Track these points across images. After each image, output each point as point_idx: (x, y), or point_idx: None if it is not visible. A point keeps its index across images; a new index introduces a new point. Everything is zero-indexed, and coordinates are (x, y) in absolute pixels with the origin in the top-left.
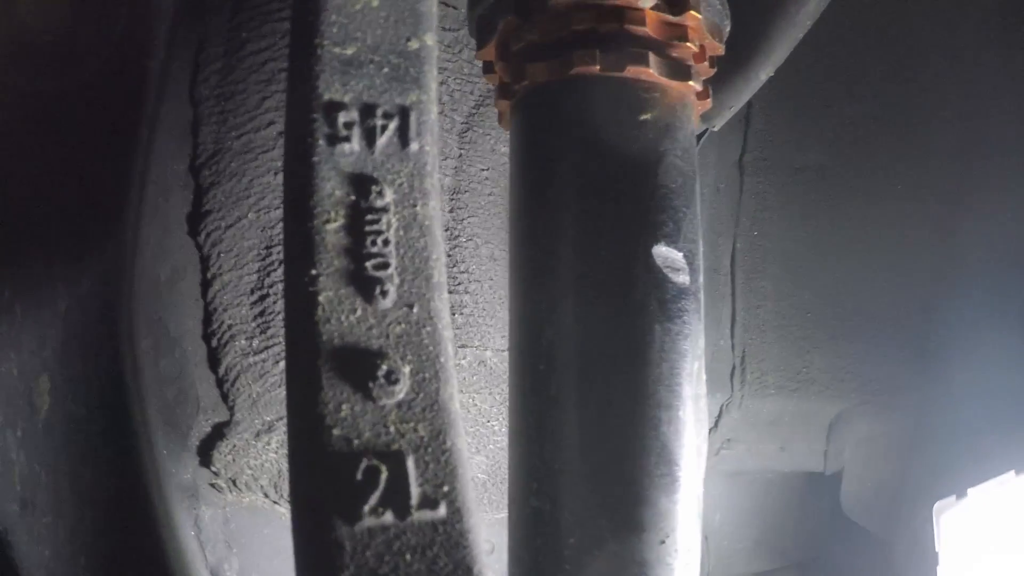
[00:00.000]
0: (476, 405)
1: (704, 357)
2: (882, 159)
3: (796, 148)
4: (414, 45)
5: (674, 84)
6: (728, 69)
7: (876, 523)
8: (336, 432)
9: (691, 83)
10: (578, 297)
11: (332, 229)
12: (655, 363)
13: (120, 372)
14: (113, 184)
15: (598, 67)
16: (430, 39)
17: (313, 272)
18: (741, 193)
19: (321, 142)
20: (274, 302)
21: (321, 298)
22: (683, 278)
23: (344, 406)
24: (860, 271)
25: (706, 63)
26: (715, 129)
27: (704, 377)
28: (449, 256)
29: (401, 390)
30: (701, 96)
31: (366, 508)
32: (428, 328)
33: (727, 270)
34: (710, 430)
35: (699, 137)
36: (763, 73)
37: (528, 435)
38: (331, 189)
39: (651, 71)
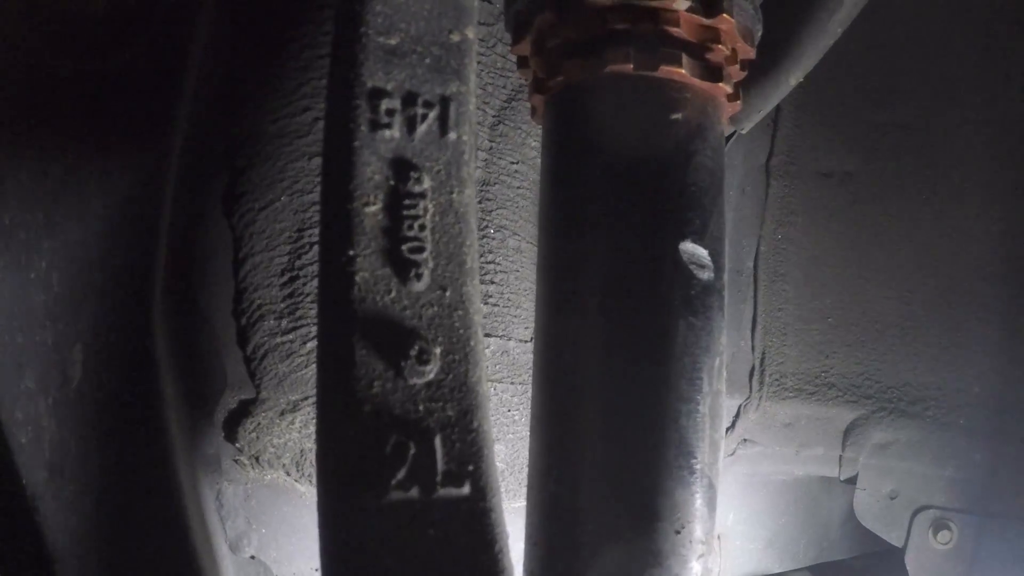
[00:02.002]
0: (498, 394)
1: (725, 355)
2: (909, 167)
3: (823, 153)
4: (455, 38)
5: (705, 85)
6: (758, 73)
7: (889, 530)
8: (367, 408)
9: (722, 85)
10: (605, 290)
11: (371, 212)
12: (677, 357)
13: (151, 345)
14: (151, 164)
15: (632, 66)
16: (471, 32)
17: (351, 252)
18: (767, 196)
19: (363, 127)
20: (304, 284)
21: (358, 278)
22: (708, 275)
23: (376, 383)
24: (882, 278)
25: (737, 66)
26: (743, 132)
27: (724, 374)
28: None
29: (431, 370)
30: (731, 98)
31: (393, 482)
32: (460, 312)
33: (750, 272)
34: (727, 430)
35: (727, 139)
36: (792, 78)
37: (550, 422)
38: (371, 173)
39: (683, 71)
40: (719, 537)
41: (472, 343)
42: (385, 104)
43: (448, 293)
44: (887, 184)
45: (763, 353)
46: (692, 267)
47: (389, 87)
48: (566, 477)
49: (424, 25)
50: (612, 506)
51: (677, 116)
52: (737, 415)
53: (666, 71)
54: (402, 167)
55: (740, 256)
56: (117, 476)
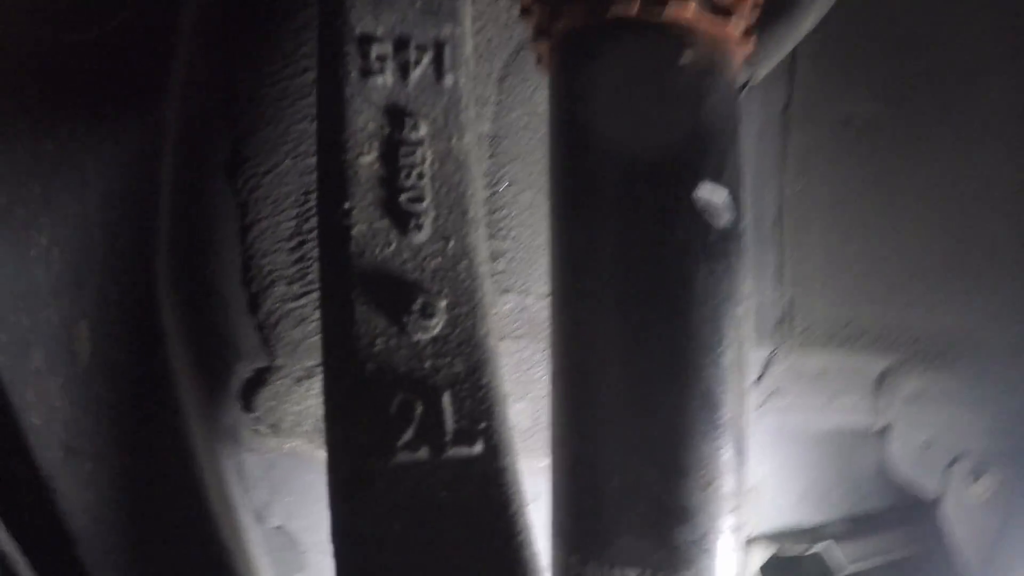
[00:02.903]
0: (519, 351)
1: (749, 302)
2: (931, 113)
3: (843, 100)
4: None
5: (715, 28)
6: (771, 17)
7: (924, 481)
8: (370, 366)
9: (731, 27)
10: (620, 239)
11: (366, 162)
12: (697, 305)
13: (159, 318)
14: (148, 133)
15: (636, 10)
16: None
17: (347, 205)
18: (786, 144)
19: (354, 75)
20: (312, 248)
21: (355, 231)
22: (726, 219)
23: (379, 340)
24: (908, 225)
25: (747, 7)
26: (758, 79)
27: (749, 322)
28: (490, 202)
29: (436, 324)
30: (742, 41)
31: (400, 443)
32: (464, 262)
33: (773, 220)
34: (756, 380)
35: (742, 87)
36: (808, 21)
37: (569, 379)
38: (364, 122)
39: (690, 15)
40: (751, 490)
41: (479, 295)
42: (376, 50)
43: (451, 244)
44: (909, 130)
45: (791, 302)
46: (709, 212)
47: (379, 32)
48: (588, 435)
49: None
50: (636, 463)
51: (685, 61)
52: (766, 366)
53: (672, 14)
54: (397, 114)
55: (762, 206)
56: (133, 452)
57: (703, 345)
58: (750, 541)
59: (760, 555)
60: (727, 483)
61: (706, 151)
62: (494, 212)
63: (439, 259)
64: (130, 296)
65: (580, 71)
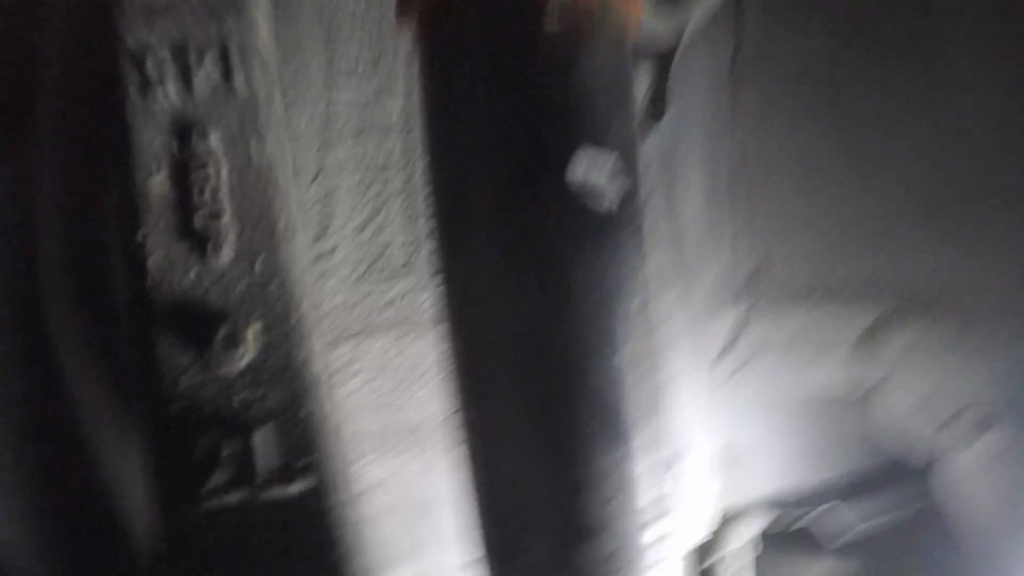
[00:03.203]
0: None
1: (647, 288)
2: (896, 50)
3: (797, 46)
4: None
5: None
6: None
7: (923, 440)
8: (174, 407)
9: None
10: (495, 231)
11: (156, 184)
12: (577, 302)
13: (49, 346)
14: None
15: None
16: None
17: (140, 233)
18: (740, 92)
19: (132, 90)
20: None
21: (151, 261)
22: (610, 201)
23: (183, 377)
24: (885, 167)
25: None
26: (683, 38)
27: (650, 314)
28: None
29: (244, 354)
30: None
31: (207, 489)
32: (276, 281)
33: (738, 171)
34: (730, 344)
35: (674, 47)
36: None
37: (463, 384)
38: (149, 141)
39: None
40: (734, 460)
41: (295, 316)
42: (152, 60)
43: (259, 262)
44: (875, 71)
45: (765, 256)
46: (587, 194)
47: (153, 40)
48: (485, 445)
49: None
50: (533, 478)
51: (549, 25)
52: (740, 327)
53: None
54: (184, 127)
55: (716, 167)
56: (42, 481)
57: (588, 348)
58: (740, 513)
59: (757, 523)
60: (638, 495)
61: (580, 127)
62: (411, 204)
63: (246, 281)
64: (15, 326)
65: (440, 52)
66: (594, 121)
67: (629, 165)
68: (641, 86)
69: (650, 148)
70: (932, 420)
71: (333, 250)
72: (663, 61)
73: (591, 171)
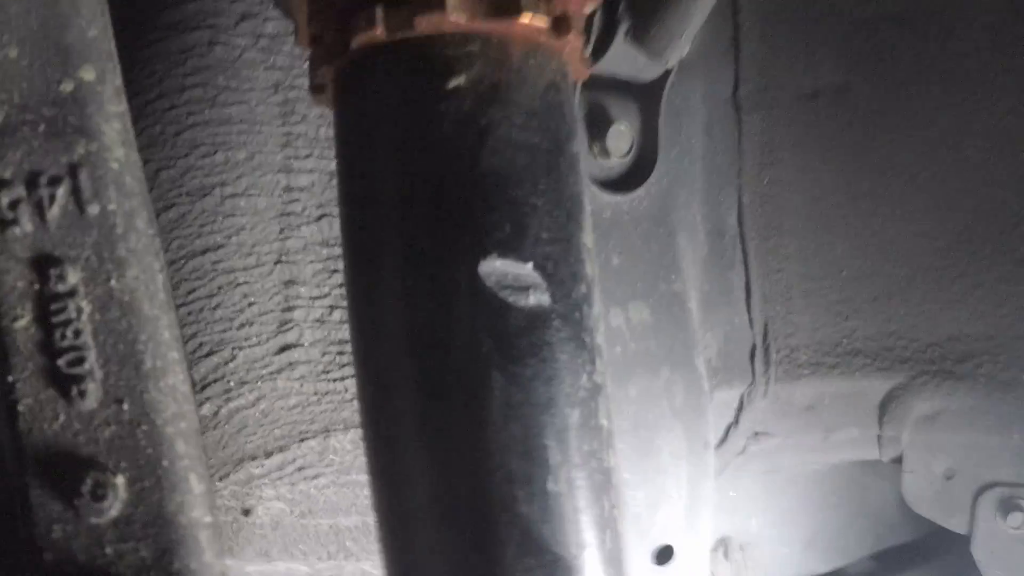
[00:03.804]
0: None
1: (602, 393)
2: (911, 69)
3: (803, 69)
4: (67, 87)
5: (497, 27)
6: None
7: (948, 516)
8: (48, 556)
9: (525, 20)
10: (404, 334)
11: (22, 327)
12: (498, 426)
13: None
14: None
15: (380, 30)
16: (89, 73)
17: (10, 378)
18: (741, 135)
19: None
20: None
21: (21, 406)
22: (536, 298)
23: (56, 526)
24: (902, 211)
25: None
26: (670, 66)
27: (604, 423)
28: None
29: (113, 504)
30: (559, 32)
31: None
32: (144, 427)
33: (734, 232)
34: (731, 427)
35: (661, 80)
36: None
37: (384, 532)
38: (13, 281)
39: (452, 18)
40: (742, 548)
41: (165, 464)
42: (6, 196)
43: (126, 406)
44: (888, 93)
45: (765, 326)
46: (506, 293)
47: (7, 174)
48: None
49: (28, 86)
50: None
51: (457, 82)
52: (740, 407)
53: (428, 24)
54: (43, 265)
55: (720, 214)
56: None
57: (512, 476)
58: None
59: None
60: None
61: (496, 206)
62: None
63: (113, 427)
64: None
65: (343, 124)
66: (514, 188)
67: (567, 245)
68: (625, 129)
69: (638, 204)
70: (955, 498)
71: (298, 340)
72: (649, 99)
73: (513, 257)
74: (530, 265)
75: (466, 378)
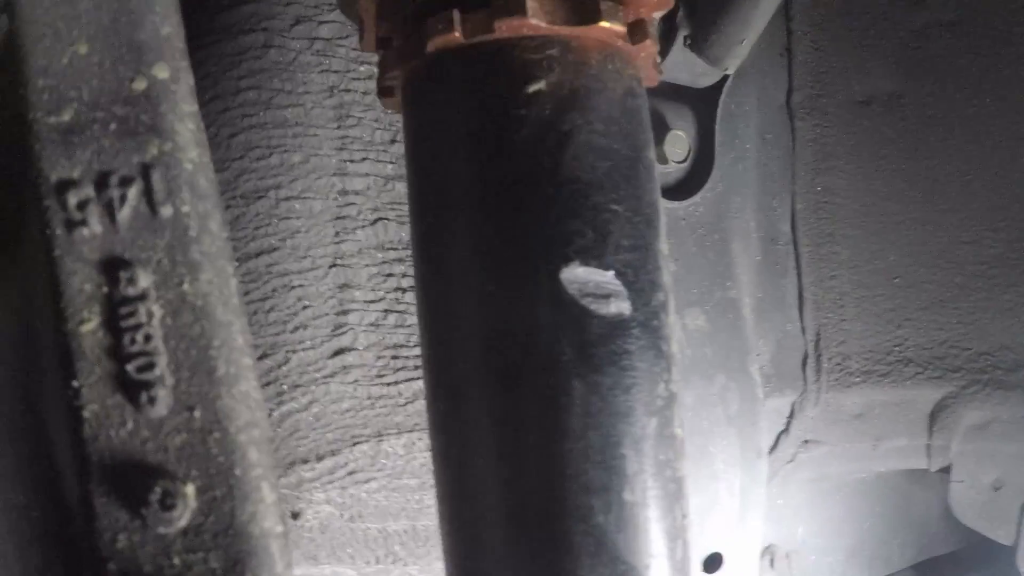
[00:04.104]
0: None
1: (677, 402)
2: (965, 75)
3: (856, 76)
4: (140, 85)
5: (577, 32)
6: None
7: (995, 527)
8: (113, 566)
9: (605, 24)
10: (479, 354)
11: (88, 331)
12: (577, 435)
13: None
14: None
15: (458, 34)
16: (163, 71)
17: (75, 384)
18: (794, 141)
19: (59, 231)
20: None
21: (86, 413)
22: (617, 306)
23: (121, 535)
24: (955, 219)
25: None
26: (728, 72)
27: (678, 432)
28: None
29: (182, 514)
30: (635, 37)
31: None
32: (216, 435)
33: (788, 238)
34: (781, 434)
35: (718, 86)
36: None
37: (449, 536)
38: (80, 284)
39: (532, 21)
40: (788, 556)
41: (237, 472)
42: (74, 196)
43: (198, 413)
44: (941, 101)
45: (817, 334)
46: (587, 301)
47: (76, 174)
48: None
49: (98, 84)
50: None
51: (538, 87)
52: (791, 414)
53: (508, 27)
54: (112, 267)
55: (773, 221)
56: None
57: (590, 486)
58: None
59: None
60: None
61: (578, 212)
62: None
63: (184, 435)
64: None
65: (416, 129)
66: (595, 195)
67: (646, 252)
68: (683, 135)
69: (693, 210)
70: (1003, 509)
71: (352, 344)
72: (705, 105)
73: (591, 269)
74: (611, 273)
75: (546, 387)
